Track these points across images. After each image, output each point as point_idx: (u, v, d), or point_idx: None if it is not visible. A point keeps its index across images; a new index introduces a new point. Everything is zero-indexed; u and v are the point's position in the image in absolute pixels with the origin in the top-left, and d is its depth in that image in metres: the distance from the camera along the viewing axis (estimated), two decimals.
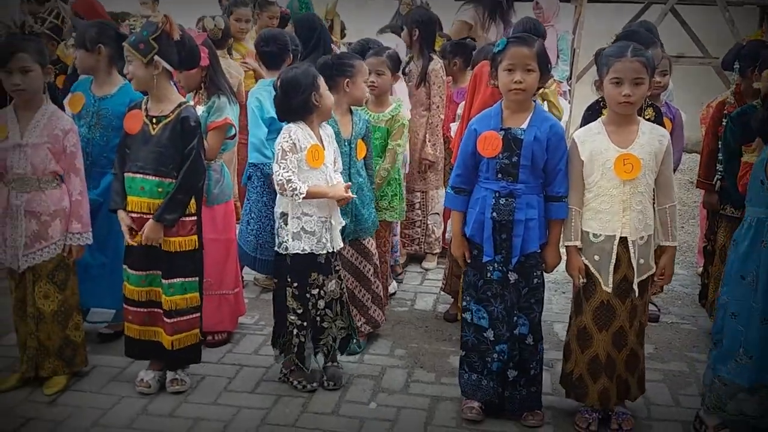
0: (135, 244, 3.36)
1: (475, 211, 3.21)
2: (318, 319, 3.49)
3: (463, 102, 4.29)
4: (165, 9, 8.19)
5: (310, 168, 3.36)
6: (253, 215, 4.58)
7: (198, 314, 3.48)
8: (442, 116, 5.06)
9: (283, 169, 3.31)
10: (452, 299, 4.44)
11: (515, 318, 3.24)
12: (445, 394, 3.55)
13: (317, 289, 3.46)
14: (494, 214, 3.17)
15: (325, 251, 3.45)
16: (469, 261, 3.29)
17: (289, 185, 3.28)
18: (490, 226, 3.18)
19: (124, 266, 3.46)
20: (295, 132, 3.35)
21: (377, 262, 4.03)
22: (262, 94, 4.52)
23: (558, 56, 7.37)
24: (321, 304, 3.48)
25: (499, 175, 3.17)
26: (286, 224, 3.40)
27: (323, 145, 3.43)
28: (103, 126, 3.80)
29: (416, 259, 5.36)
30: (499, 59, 3.18)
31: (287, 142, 3.32)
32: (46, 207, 3.32)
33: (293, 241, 3.39)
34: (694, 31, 9.37)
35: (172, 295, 3.39)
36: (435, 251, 5.31)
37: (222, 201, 3.94)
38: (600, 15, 9.81)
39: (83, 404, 3.40)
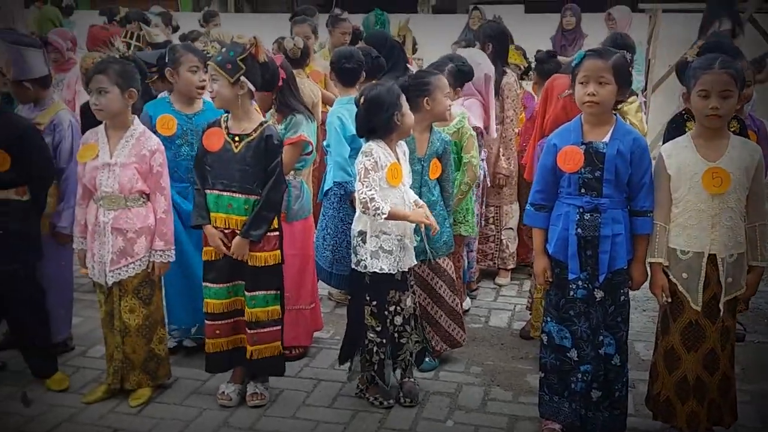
0: (218, 258, 3.43)
1: (558, 228, 3.15)
2: (396, 335, 3.49)
3: None
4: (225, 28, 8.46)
5: (389, 186, 3.37)
6: (329, 231, 4.63)
7: (279, 327, 3.52)
8: (516, 130, 5.02)
9: (367, 187, 3.32)
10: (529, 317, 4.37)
11: (601, 337, 3.16)
12: (523, 414, 3.50)
13: (394, 306, 3.46)
14: (579, 230, 3.11)
15: (404, 269, 3.44)
16: (550, 279, 3.23)
17: (373, 204, 3.29)
18: (575, 242, 3.11)
19: (205, 284, 3.53)
20: (376, 151, 3.36)
21: (452, 278, 4.00)
22: (342, 113, 4.57)
23: (632, 67, 7.21)
24: (398, 320, 3.47)
25: (583, 190, 3.11)
26: (365, 243, 3.41)
27: (400, 163, 3.44)
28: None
29: (488, 274, 5.30)
30: (576, 72, 3.15)
31: (369, 160, 3.33)
32: (132, 224, 3.42)
33: (372, 259, 3.40)
34: None
35: (254, 308, 3.45)
36: (509, 267, 5.25)
37: (301, 217, 3.99)
38: (672, 25, 9.60)
39: (167, 416, 3.47)
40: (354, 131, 4.55)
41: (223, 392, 3.57)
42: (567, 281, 3.15)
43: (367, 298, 3.45)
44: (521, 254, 5.31)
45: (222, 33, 7.97)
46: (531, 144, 3.91)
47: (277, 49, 4.73)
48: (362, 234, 3.42)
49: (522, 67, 5.42)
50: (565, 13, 8.73)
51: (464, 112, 4.24)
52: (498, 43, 5.07)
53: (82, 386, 3.74)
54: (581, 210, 3.10)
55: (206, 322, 3.56)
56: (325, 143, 4.43)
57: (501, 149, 4.96)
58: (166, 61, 3.95)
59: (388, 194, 3.37)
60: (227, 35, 7.82)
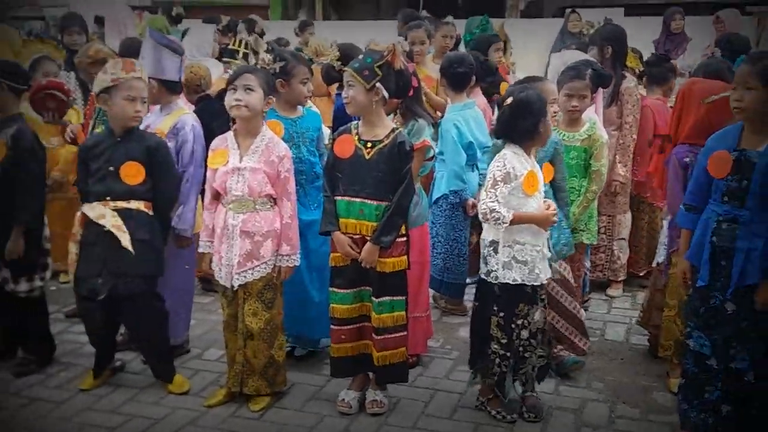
0: (345, 264, 3.42)
1: (697, 233, 3.06)
2: (521, 349, 3.39)
3: None
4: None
5: (525, 196, 3.27)
6: (440, 239, 4.58)
7: (405, 333, 3.48)
8: (635, 136, 4.84)
9: (489, 198, 3.23)
10: (649, 334, 4.18)
11: (733, 351, 3.00)
12: None
13: (522, 320, 3.36)
14: (714, 238, 2.99)
15: (538, 282, 3.34)
16: (689, 282, 3.11)
17: (493, 214, 3.20)
18: (708, 250, 2.99)
19: (332, 289, 3.52)
20: (510, 160, 3.26)
21: (571, 284, 3.88)
22: (458, 120, 4.52)
23: None
24: (524, 334, 3.37)
25: (725, 198, 2.98)
26: (496, 252, 3.31)
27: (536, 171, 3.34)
28: (308, 142, 3.92)
29: (598, 286, 5.12)
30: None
31: (500, 171, 3.24)
32: (260, 228, 3.43)
33: (504, 270, 3.30)
34: None
35: (381, 313, 3.41)
36: (620, 278, 5.07)
37: (419, 224, 3.92)
38: None
39: (288, 422, 3.46)
40: (470, 138, 4.52)
41: (343, 399, 3.54)
42: (707, 288, 3.01)
43: (495, 308, 3.36)
44: (631, 265, 5.13)
45: (317, 41, 8.07)
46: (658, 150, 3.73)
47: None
48: (494, 244, 3.33)
49: (637, 71, 5.23)
50: (674, 16, 8.42)
51: (594, 118, 4.11)
52: (617, 46, 4.91)
53: (202, 389, 3.78)
54: (720, 218, 2.98)
55: (332, 327, 3.54)
56: (437, 150, 4.37)
57: (618, 156, 4.80)
58: (277, 71, 3.96)
59: (523, 203, 3.27)
60: (325, 43, 7.92)
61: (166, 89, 3.96)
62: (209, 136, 4.08)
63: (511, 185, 3.23)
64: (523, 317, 3.35)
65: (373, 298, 3.43)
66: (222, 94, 3.61)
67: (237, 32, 8.03)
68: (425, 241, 4.04)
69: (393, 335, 3.44)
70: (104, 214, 3.50)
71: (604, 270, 5.02)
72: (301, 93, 3.89)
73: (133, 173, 3.57)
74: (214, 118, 4.67)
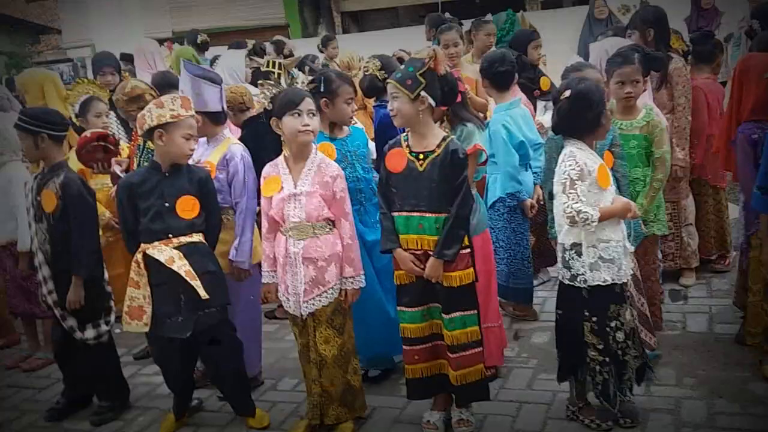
0: (411, 282, 3.32)
1: None
2: (620, 352, 3.24)
3: None
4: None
5: (600, 190, 3.14)
6: (501, 243, 4.46)
7: (480, 348, 3.35)
8: (689, 118, 4.66)
9: (572, 199, 3.09)
10: (741, 318, 4.02)
11: None
12: (756, 428, 3.18)
13: (615, 321, 3.21)
14: None
15: (625, 279, 3.20)
16: None
17: (581, 215, 3.07)
18: None
19: (400, 308, 3.42)
20: (580, 156, 3.14)
21: (638, 277, 3.73)
22: (506, 120, 4.40)
23: None
24: (620, 336, 3.22)
25: None
26: (580, 255, 3.18)
27: None
28: (361, 159, 3.85)
29: (670, 276, 4.93)
30: None
31: (574, 169, 3.11)
32: (322, 253, 3.34)
33: (592, 272, 3.17)
34: None
35: (453, 330, 3.30)
36: (692, 266, 4.89)
37: (479, 231, 3.81)
38: None
39: None
40: (521, 137, 4.40)
41: (428, 421, 3.44)
42: None
43: (587, 314, 3.22)
44: (701, 251, 4.95)
45: (348, 54, 8.00)
46: (724, 130, 3.57)
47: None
48: (576, 246, 3.19)
49: (681, 51, 5.05)
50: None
51: (649, 103, 3.96)
52: (659, 28, 4.73)
53: (282, 421, 3.71)
54: None
55: (404, 347, 3.44)
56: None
57: (674, 139, 4.63)
58: (321, 90, 3.88)
59: (599, 198, 3.14)
60: (355, 56, 7.85)
61: (211, 121, 3.91)
62: (259, 158, 4.05)
63: (587, 182, 3.10)
64: (616, 318, 3.21)
65: (444, 315, 3.31)
66: (267, 113, 3.52)
67: (267, 54, 8.01)
68: (488, 249, 3.92)
69: (468, 352, 3.32)
70: (173, 257, 3.44)
71: (675, 259, 4.84)
72: (346, 113, 3.81)
73: (189, 207, 3.52)
74: (262, 139, 4.65)
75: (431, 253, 3.26)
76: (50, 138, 3.81)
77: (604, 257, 3.16)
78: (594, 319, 3.21)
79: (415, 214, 3.28)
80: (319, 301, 3.36)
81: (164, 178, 3.54)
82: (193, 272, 3.43)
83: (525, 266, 4.49)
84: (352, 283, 3.41)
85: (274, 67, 5.58)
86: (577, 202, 3.08)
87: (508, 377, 3.91)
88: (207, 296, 3.41)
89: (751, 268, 3.53)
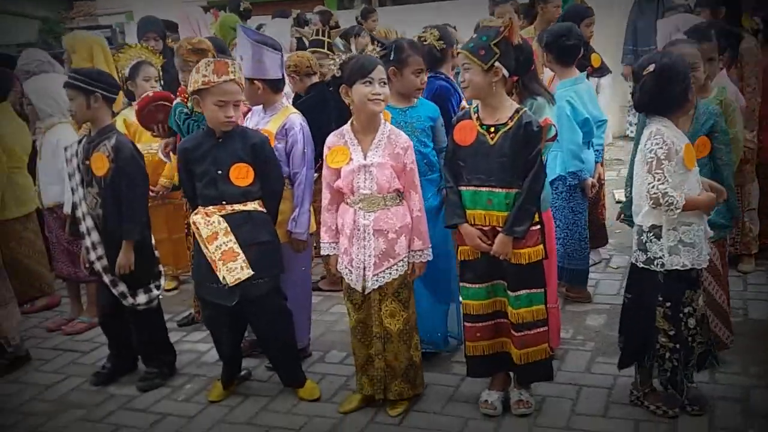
0: (476, 258, 3.22)
1: None
2: (690, 339, 3.13)
3: None
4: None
5: (686, 170, 3.01)
6: (558, 222, 4.34)
7: (545, 328, 3.26)
8: (759, 99, 4.50)
9: (659, 180, 2.95)
10: None
11: None
12: None
13: (688, 307, 3.10)
14: None
15: (704, 265, 3.09)
16: None
17: (666, 199, 2.94)
18: None
19: (463, 284, 3.33)
20: (668, 135, 2.99)
21: (718, 269, 3.59)
22: (571, 96, 4.26)
23: None
24: (692, 322, 3.11)
25: None
26: (659, 238, 3.05)
27: None
28: (419, 132, 3.71)
29: (729, 261, 4.77)
30: None
31: (662, 148, 2.96)
32: (392, 224, 3.25)
33: (670, 256, 3.04)
34: None
35: (519, 308, 3.20)
36: (753, 251, 4.74)
37: (543, 209, 3.68)
38: None
39: (431, 426, 3.30)
40: (586, 114, 4.25)
41: (486, 401, 3.35)
42: None
43: (661, 298, 3.10)
44: (763, 236, 4.80)
45: (385, 27, 7.86)
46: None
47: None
48: (655, 228, 3.06)
49: (752, 30, 4.86)
50: None
51: (722, 82, 3.79)
52: (731, 5, 4.57)
53: (333, 395, 3.64)
54: None
55: (465, 324, 3.37)
56: None
57: (743, 121, 4.45)
58: (391, 59, 3.76)
59: (684, 179, 3.00)
60: (389, 29, 7.71)
61: (270, 88, 3.79)
62: (321, 125, 3.95)
63: (674, 161, 2.97)
64: (689, 304, 3.09)
65: (510, 293, 3.22)
66: (335, 80, 3.40)
67: (312, 24, 7.90)
68: (550, 227, 3.79)
69: (533, 331, 3.22)
70: (217, 232, 3.36)
71: (735, 244, 4.70)
72: (414, 83, 3.68)
73: (243, 175, 3.43)
74: (325, 106, 4.56)
75: (499, 229, 3.15)
76: (103, 99, 3.73)
77: (685, 241, 3.03)
78: (668, 304, 3.09)
79: (483, 189, 3.17)
80: (389, 274, 3.27)
81: (217, 143, 3.45)
82: (235, 250, 3.34)
83: (582, 247, 4.37)
84: (420, 256, 3.32)
85: (322, 35, 5.48)
86: (663, 183, 2.94)
87: (564, 360, 3.81)
88: (251, 273, 3.33)
89: None
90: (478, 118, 3.21)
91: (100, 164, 3.64)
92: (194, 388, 3.84)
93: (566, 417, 3.27)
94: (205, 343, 4.32)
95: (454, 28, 6.60)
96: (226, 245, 3.36)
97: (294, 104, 4.15)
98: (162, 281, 3.91)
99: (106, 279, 3.75)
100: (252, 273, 3.36)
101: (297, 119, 3.82)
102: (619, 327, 3.34)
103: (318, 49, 5.20)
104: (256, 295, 3.43)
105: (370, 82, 3.17)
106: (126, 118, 4.91)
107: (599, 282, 4.77)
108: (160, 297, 3.93)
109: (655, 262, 3.06)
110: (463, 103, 3.82)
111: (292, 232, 3.72)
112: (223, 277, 3.36)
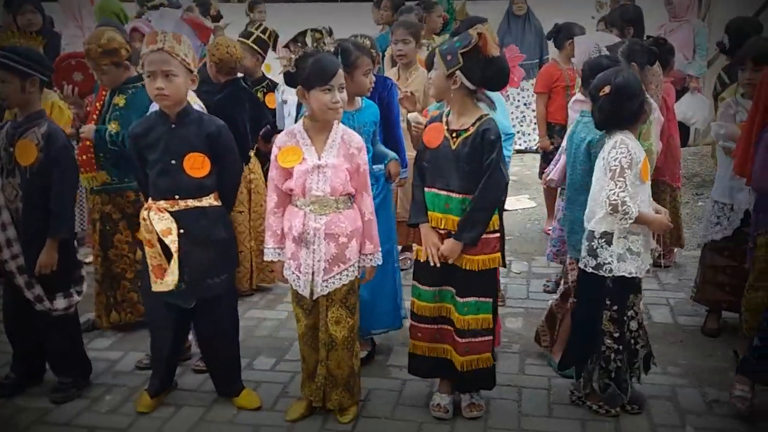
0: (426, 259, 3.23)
1: None
2: (632, 341, 3.30)
3: None
4: None
5: (641, 183, 3.17)
6: None
7: (490, 337, 3.30)
8: (662, 118, 4.82)
9: (620, 188, 3.09)
10: (706, 311, 4.22)
11: None
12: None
13: (631, 311, 3.27)
14: None
15: (644, 273, 3.27)
16: None
17: (624, 207, 3.08)
18: None
19: (414, 282, 3.34)
20: (631, 146, 3.15)
21: None
22: None
23: (695, 51, 7.10)
24: (633, 325, 3.28)
25: None
26: (610, 245, 3.19)
27: None
28: (366, 138, 3.66)
29: None
30: None
31: (626, 157, 3.10)
32: (344, 228, 3.17)
33: (619, 262, 3.19)
34: None
35: (465, 315, 3.23)
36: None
37: None
38: (724, 6, 9.56)
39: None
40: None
41: (438, 404, 3.36)
42: None
43: (608, 302, 3.25)
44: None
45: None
46: (743, 136, 3.69)
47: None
48: (607, 235, 3.20)
49: None
50: None
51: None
52: (638, 26, 4.90)
53: (274, 402, 3.50)
54: None
55: (411, 321, 3.38)
56: None
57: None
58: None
59: (638, 191, 3.16)
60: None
61: None
62: (235, 126, 3.80)
63: (634, 172, 3.12)
64: (631, 308, 3.27)
65: (458, 299, 3.24)
66: (290, 77, 3.26)
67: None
68: None
69: (478, 339, 3.25)
70: (170, 228, 3.15)
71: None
72: (365, 85, 3.63)
73: (198, 165, 3.23)
74: (241, 105, 4.37)
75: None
76: (40, 82, 3.39)
77: (633, 249, 3.20)
78: (615, 308, 3.25)
79: (443, 192, 3.19)
80: (339, 279, 3.19)
81: (171, 129, 3.23)
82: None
83: None
84: (371, 260, 3.27)
85: (258, 29, 5.24)
86: (624, 191, 3.08)
87: (497, 362, 3.86)
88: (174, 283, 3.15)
89: (756, 266, 3.67)
90: (447, 122, 3.22)
91: (28, 152, 3.28)
92: (116, 399, 3.55)
93: (515, 418, 3.35)
94: (116, 351, 4.03)
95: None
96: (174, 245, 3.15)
97: (202, 96, 3.93)
98: (84, 287, 3.58)
99: (21, 280, 3.38)
100: (174, 285, 3.16)
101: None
102: (572, 331, 3.46)
103: (244, 40, 4.96)
104: (212, 295, 3.24)
105: (330, 90, 3.08)
106: None
107: (507, 286, 4.93)
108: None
109: (605, 268, 3.21)
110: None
111: None
112: (161, 282, 3.14)
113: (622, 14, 5.03)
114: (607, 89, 3.15)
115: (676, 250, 5.29)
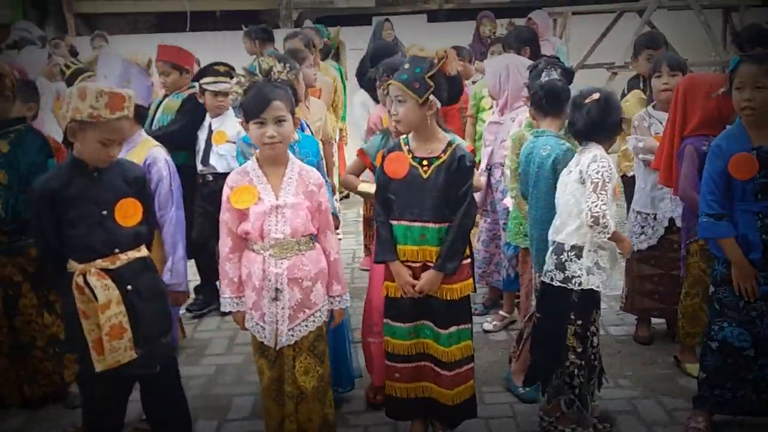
0: (405, 296, 3.07)
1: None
2: (593, 356, 3.28)
3: None
4: None
5: (613, 200, 3.16)
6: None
7: (472, 364, 3.19)
8: None
9: (602, 201, 3.06)
10: (636, 319, 4.33)
11: None
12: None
13: (593, 326, 3.26)
14: (764, 235, 3.10)
15: (607, 289, 3.27)
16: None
17: (603, 221, 3.06)
18: (760, 247, 3.09)
19: (386, 320, 3.16)
20: (611, 161, 3.15)
21: None
22: None
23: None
24: (595, 341, 3.28)
25: (759, 196, 3.10)
26: (579, 258, 3.17)
27: None
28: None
29: None
30: (732, 77, 3.15)
31: (608, 171, 3.09)
32: (307, 272, 2.93)
33: (588, 276, 3.17)
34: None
35: (450, 346, 3.10)
36: None
37: None
38: (579, 26, 10.18)
39: None
40: None
41: None
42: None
43: (572, 317, 3.21)
44: None
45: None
46: (664, 146, 3.81)
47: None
48: (576, 248, 3.17)
49: None
50: (483, 21, 8.83)
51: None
52: (534, 46, 5.00)
53: None
54: (761, 215, 3.10)
55: (386, 362, 3.20)
56: None
57: None
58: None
59: (611, 207, 3.16)
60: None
61: (134, 118, 3.24)
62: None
63: (610, 187, 3.12)
64: (593, 323, 3.26)
65: (440, 330, 3.11)
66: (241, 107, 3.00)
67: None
68: None
69: (464, 368, 3.15)
70: (111, 300, 2.75)
71: None
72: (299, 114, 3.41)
73: (131, 212, 2.88)
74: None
75: (431, 264, 3.03)
76: None
77: (600, 264, 3.19)
78: (579, 322, 3.23)
79: (417, 224, 3.04)
80: (306, 326, 2.95)
81: (94, 178, 2.86)
82: (124, 326, 2.78)
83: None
84: (339, 302, 3.06)
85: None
86: (605, 204, 3.07)
87: None
88: (134, 355, 2.81)
89: (689, 273, 3.79)
90: (409, 150, 3.08)
91: None
92: None
93: None
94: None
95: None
96: (116, 318, 2.76)
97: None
98: None
99: None
100: (135, 356, 2.81)
101: (161, 153, 3.37)
102: (530, 347, 3.41)
103: (245, 70, 4.56)
104: (166, 356, 2.91)
105: (263, 123, 2.85)
106: None
107: None
108: None
109: (573, 281, 3.18)
110: None
111: (169, 284, 3.21)
112: (101, 360, 2.76)
113: (516, 36, 5.10)
114: (596, 96, 3.16)
115: None
